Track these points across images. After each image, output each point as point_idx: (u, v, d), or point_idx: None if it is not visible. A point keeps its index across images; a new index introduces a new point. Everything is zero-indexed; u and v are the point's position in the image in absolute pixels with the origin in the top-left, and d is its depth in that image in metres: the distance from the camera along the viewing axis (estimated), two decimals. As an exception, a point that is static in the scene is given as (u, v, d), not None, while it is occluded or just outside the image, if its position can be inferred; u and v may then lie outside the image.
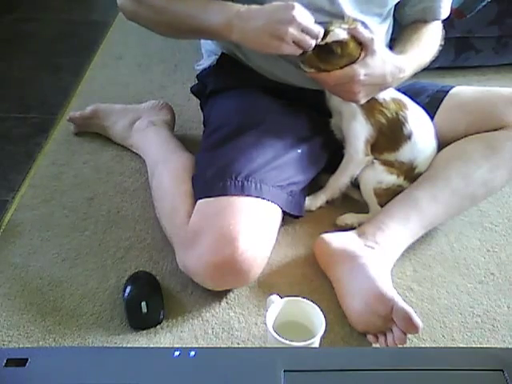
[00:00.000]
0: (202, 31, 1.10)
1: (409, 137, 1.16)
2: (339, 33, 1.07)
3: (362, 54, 1.08)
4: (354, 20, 1.12)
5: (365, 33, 1.08)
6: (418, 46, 1.20)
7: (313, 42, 1.03)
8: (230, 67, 1.23)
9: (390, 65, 1.10)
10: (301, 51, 1.03)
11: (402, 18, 1.28)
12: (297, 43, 1.01)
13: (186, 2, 1.10)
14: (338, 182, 1.21)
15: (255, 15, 1.02)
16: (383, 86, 1.13)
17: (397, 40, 1.25)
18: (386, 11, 1.20)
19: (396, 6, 1.23)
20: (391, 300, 0.95)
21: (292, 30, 0.99)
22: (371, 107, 1.14)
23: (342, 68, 1.07)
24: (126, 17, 1.18)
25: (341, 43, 1.06)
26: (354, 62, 1.07)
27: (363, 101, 1.12)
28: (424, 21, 1.26)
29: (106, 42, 2.07)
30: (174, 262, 1.09)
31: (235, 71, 1.22)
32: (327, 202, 1.23)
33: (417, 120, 1.18)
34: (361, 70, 1.07)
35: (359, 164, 1.19)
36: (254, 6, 1.04)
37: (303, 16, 1.01)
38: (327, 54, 1.06)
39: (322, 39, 1.05)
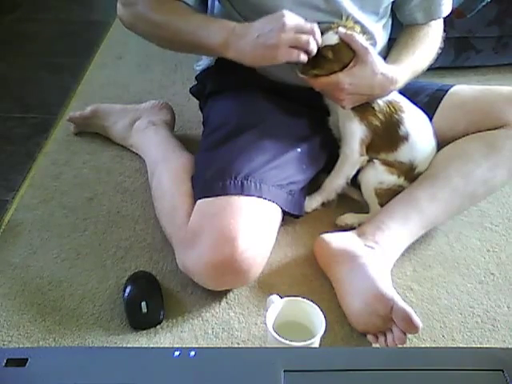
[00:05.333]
0: (199, 47, 1.11)
1: (406, 138, 1.16)
2: (331, 37, 1.07)
3: (351, 63, 1.08)
4: (356, 23, 1.12)
5: (360, 41, 1.07)
6: (414, 53, 1.19)
7: (310, 39, 1.01)
8: (228, 67, 1.22)
9: (381, 76, 1.09)
10: (298, 55, 1.01)
11: (402, 17, 1.27)
12: (294, 46, 1.00)
13: (186, 20, 1.10)
14: (334, 183, 1.21)
15: (249, 31, 1.03)
16: (371, 96, 1.13)
17: (393, 46, 1.24)
18: (381, 9, 1.19)
19: (394, 4, 1.23)
20: (391, 300, 0.95)
21: (284, 36, 0.99)
22: (364, 110, 1.14)
23: (333, 73, 1.07)
24: (124, 25, 1.19)
25: (332, 48, 1.06)
26: (344, 68, 1.07)
27: (349, 107, 1.13)
28: (423, 22, 1.24)
29: (106, 41, 2.07)
30: (174, 262, 1.09)
31: (234, 71, 1.21)
32: (323, 204, 1.23)
33: (414, 121, 1.17)
34: (346, 79, 1.07)
35: (354, 164, 1.19)
36: (248, 23, 1.04)
37: (294, 19, 1.01)
38: (319, 58, 1.05)
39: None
